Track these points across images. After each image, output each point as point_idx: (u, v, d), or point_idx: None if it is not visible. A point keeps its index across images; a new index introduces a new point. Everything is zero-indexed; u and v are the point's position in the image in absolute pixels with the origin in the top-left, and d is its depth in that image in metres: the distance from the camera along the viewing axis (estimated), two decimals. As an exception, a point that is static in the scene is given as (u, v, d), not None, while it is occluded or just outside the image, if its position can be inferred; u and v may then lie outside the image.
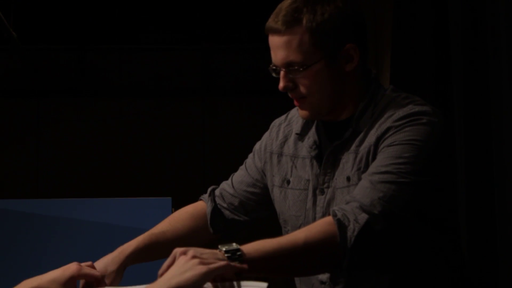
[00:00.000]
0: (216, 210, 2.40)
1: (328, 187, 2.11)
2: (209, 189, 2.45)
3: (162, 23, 6.76)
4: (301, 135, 2.21)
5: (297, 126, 2.24)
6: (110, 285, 2.27)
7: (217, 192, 2.42)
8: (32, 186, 6.75)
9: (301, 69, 2.03)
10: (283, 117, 2.34)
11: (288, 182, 2.20)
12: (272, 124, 2.36)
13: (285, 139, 2.26)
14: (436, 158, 2.01)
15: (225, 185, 2.42)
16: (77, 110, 6.93)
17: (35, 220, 3.61)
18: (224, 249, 1.75)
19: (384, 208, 1.88)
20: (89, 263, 2.19)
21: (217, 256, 1.73)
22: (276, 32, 2.04)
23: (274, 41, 2.06)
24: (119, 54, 6.98)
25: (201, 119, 6.82)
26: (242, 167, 2.42)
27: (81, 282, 2.15)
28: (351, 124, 2.09)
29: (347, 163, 2.07)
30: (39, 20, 6.58)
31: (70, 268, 2.13)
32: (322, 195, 2.11)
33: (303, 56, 2.03)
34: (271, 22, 2.06)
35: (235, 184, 2.39)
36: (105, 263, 2.31)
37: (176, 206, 3.91)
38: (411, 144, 1.97)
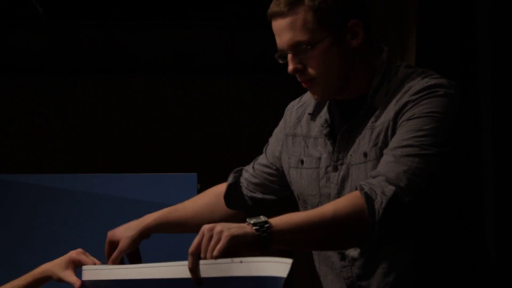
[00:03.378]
0: (234, 185, 2.45)
1: (342, 163, 2.11)
2: (236, 169, 2.50)
3: (188, 0, 6.74)
4: (313, 115, 2.22)
5: (310, 107, 2.25)
6: (126, 252, 2.34)
7: (241, 171, 2.47)
8: (58, 161, 6.79)
9: (309, 47, 2.03)
10: (297, 99, 2.35)
11: (302, 162, 2.21)
12: (287, 107, 2.37)
13: (298, 120, 2.28)
14: (456, 128, 2.01)
15: (249, 166, 2.46)
16: (103, 86, 6.94)
17: (59, 194, 3.64)
18: (252, 221, 1.76)
19: (410, 181, 1.89)
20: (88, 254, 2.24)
21: (244, 229, 1.75)
22: (279, 15, 2.03)
23: (279, 24, 2.05)
24: (144, 31, 6.98)
25: (226, 96, 6.82)
26: (264, 149, 2.45)
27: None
28: (365, 102, 2.08)
29: (363, 139, 2.07)
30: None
31: (69, 254, 2.22)
32: (336, 171, 2.11)
33: (309, 35, 2.02)
34: (273, 7, 2.05)
35: (255, 166, 2.43)
36: (125, 228, 2.40)
37: (201, 182, 3.93)
38: (430, 117, 1.97)
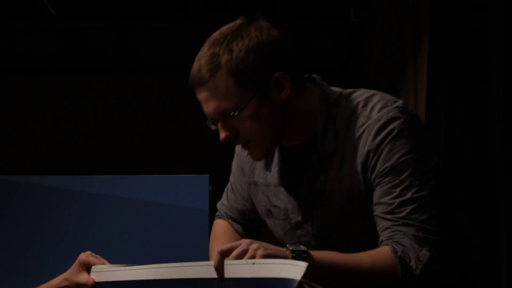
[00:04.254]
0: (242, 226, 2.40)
1: (312, 215, 2.07)
2: (219, 207, 2.43)
3: (199, 1, 6.76)
4: (266, 164, 2.15)
5: None
6: None
7: (224, 211, 2.40)
8: (70, 162, 6.81)
9: (236, 113, 1.94)
10: None
11: (271, 212, 2.16)
12: (236, 149, 2.30)
13: (253, 165, 2.21)
14: (429, 148, 2.00)
15: (225, 208, 2.39)
16: (114, 87, 6.96)
17: (72, 196, 3.64)
18: (291, 248, 1.74)
19: (428, 237, 1.89)
20: (97, 256, 2.23)
21: (280, 253, 1.72)
22: (200, 84, 1.95)
23: (201, 94, 1.97)
24: (155, 32, 6.99)
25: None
26: (229, 190, 2.37)
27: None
28: (316, 148, 2.02)
29: (332, 192, 2.02)
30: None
31: (78, 258, 2.19)
32: (308, 222, 2.08)
33: (234, 100, 1.93)
34: (192, 76, 1.97)
35: (232, 214, 2.37)
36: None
37: (213, 183, 3.93)
38: (402, 163, 1.94)
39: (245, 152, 2.19)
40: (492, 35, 3.12)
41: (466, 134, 3.47)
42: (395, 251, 1.85)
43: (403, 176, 1.93)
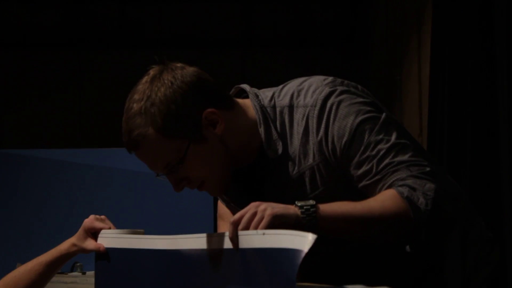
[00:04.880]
0: None
1: None
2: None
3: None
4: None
5: None
6: None
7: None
8: (74, 136, 6.81)
9: (179, 163, 1.93)
10: None
11: None
12: None
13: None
14: (374, 109, 1.98)
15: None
16: (118, 61, 6.95)
17: (78, 169, 3.65)
18: (299, 204, 1.75)
19: (422, 178, 1.89)
20: (103, 216, 2.24)
21: (288, 210, 1.73)
22: (134, 148, 1.95)
23: (141, 156, 1.97)
24: (159, 5, 6.97)
25: (242, 71, 6.81)
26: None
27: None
28: (266, 157, 2.00)
29: (297, 191, 2.00)
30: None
31: (83, 224, 2.21)
32: None
33: (172, 154, 1.93)
34: (125, 141, 1.97)
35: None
36: None
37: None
38: (357, 130, 1.94)
39: None
40: (496, 2, 3.10)
41: (471, 103, 3.46)
42: (401, 193, 1.83)
43: (365, 140, 1.93)
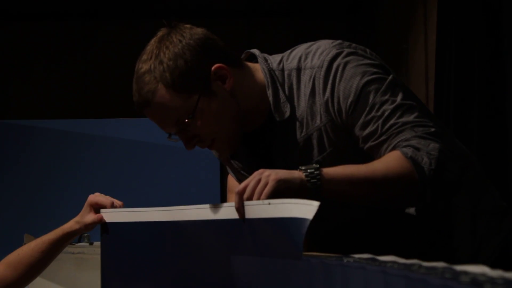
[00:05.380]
0: None
1: None
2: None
3: None
4: (231, 156, 2.17)
5: None
6: None
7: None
8: (81, 106, 6.83)
9: (190, 117, 1.94)
10: None
11: None
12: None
13: (227, 156, 2.20)
14: (380, 70, 1.98)
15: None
16: (123, 32, 6.95)
17: (84, 139, 3.66)
18: (303, 168, 1.74)
19: (425, 137, 1.88)
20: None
21: (292, 174, 1.73)
22: (145, 106, 1.96)
23: (150, 114, 1.98)
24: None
25: (247, 41, 6.80)
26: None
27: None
28: (273, 120, 2.02)
29: (305, 152, 2.01)
30: None
31: (87, 200, 2.21)
32: None
33: (182, 108, 1.94)
34: (135, 101, 1.98)
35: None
36: None
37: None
38: (362, 91, 1.93)
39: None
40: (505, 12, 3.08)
41: (477, 71, 3.46)
42: (405, 153, 1.83)
43: (370, 100, 1.93)
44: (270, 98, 2.01)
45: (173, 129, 1.99)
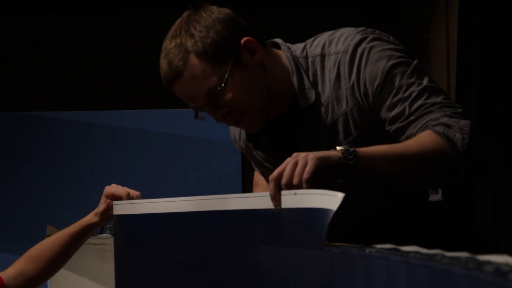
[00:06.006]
0: None
1: None
2: None
3: None
4: (253, 142, 2.18)
5: (242, 131, 2.20)
6: None
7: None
8: (102, 98, 6.86)
9: (222, 85, 1.96)
10: (236, 131, 2.28)
11: None
12: (232, 137, 2.32)
13: (248, 147, 2.22)
14: (405, 54, 1.99)
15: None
16: (142, 24, 6.97)
17: (104, 130, 3.67)
18: (338, 148, 1.74)
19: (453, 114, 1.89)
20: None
21: (329, 153, 1.72)
22: (177, 78, 1.98)
23: (182, 87, 2.00)
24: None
25: (268, 30, 6.79)
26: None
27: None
28: (298, 105, 2.03)
29: (331, 137, 2.02)
30: None
31: (103, 191, 2.23)
32: None
33: (214, 77, 1.96)
34: (166, 74, 2.00)
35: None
36: None
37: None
38: (388, 74, 1.95)
39: (240, 143, 2.24)
40: None
41: (499, 62, 3.44)
42: (437, 131, 1.82)
43: (397, 83, 1.94)
44: (295, 85, 2.03)
45: (203, 101, 1.99)
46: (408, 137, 1.90)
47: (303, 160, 1.68)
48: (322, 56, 2.04)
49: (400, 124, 1.92)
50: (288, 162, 1.69)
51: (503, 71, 3.42)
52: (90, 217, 2.26)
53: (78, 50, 6.95)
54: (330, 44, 2.04)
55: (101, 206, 2.21)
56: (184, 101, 2.04)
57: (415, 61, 1.98)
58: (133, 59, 6.89)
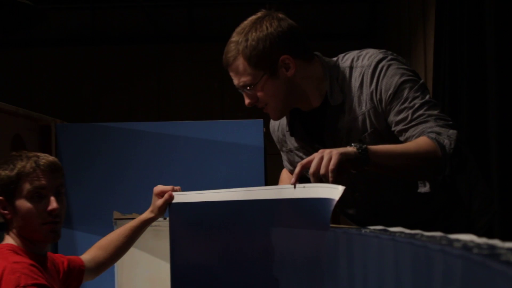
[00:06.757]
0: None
1: None
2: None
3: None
4: (291, 131, 2.19)
5: (283, 123, 2.22)
6: None
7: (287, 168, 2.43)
8: (154, 112, 6.87)
9: (252, 86, 2.02)
10: (275, 122, 2.31)
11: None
12: (270, 130, 2.34)
13: (284, 137, 2.24)
14: (414, 75, 2.01)
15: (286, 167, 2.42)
16: (190, 54, 6.97)
17: (152, 137, 3.66)
18: (353, 145, 1.76)
19: (445, 124, 1.91)
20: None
21: (348, 149, 1.74)
22: (227, 66, 2.04)
23: (230, 72, 2.06)
24: (222, 4, 6.92)
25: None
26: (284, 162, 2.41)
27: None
28: (328, 104, 2.05)
29: (351, 132, 2.04)
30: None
31: (153, 192, 2.23)
32: None
33: (249, 77, 2.01)
34: (223, 58, 2.06)
35: (290, 170, 2.38)
36: None
37: (267, 126, 3.95)
38: (400, 86, 1.96)
39: (277, 133, 2.27)
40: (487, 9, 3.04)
41: (466, 85, 3.42)
42: (431, 137, 1.84)
43: (405, 94, 1.95)
44: (328, 88, 2.05)
45: (240, 88, 2.06)
46: (408, 138, 1.92)
47: (328, 155, 1.69)
48: (351, 68, 2.05)
49: (403, 127, 1.94)
50: (315, 156, 1.71)
51: (469, 94, 3.40)
52: (147, 214, 2.26)
53: (136, 76, 6.97)
54: (357, 59, 2.06)
55: (159, 202, 2.20)
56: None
57: (421, 81, 2.01)
58: (179, 83, 6.88)
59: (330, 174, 1.66)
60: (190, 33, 6.94)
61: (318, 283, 1.58)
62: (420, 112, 1.92)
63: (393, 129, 1.97)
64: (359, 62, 2.05)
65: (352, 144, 1.76)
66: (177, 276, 2.18)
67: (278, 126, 2.26)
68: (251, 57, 1.99)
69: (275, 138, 2.33)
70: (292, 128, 2.17)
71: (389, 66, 2.00)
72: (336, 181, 1.64)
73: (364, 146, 1.75)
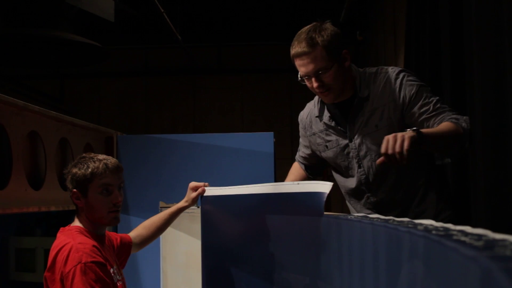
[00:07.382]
0: (305, 167, 2.43)
1: (354, 136, 2.07)
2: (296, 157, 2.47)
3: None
4: (319, 116, 2.19)
5: (315, 112, 2.21)
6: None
7: (296, 157, 2.45)
8: (190, 126, 6.86)
9: (326, 71, 1.99)
10: (304, 111, 2.30)
11: (327, 146, 2.18)
12: (299, 118, 2.32)
13: (311, 123, 2.24)
14: (426, 85, 2.06)
15: (297, 155, 2.43)
16: (218, 83, 6.97)
17: (191, 146, 3.64)
18: (410, 129, 1.78)
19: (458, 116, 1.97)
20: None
21: (410, 133, 1.75)
22: (305, 54, 1.98)
23: (304, 60, 2.00)
24: (244, 47, 6.91)
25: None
26: (300, 144, 2.41)
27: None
28: (357, 96, 2.06)
29: (370, 118, 2.04)
30: (199, 22, 6.57)
31: (188, 186, 2.20)
32: (351, 142, 2.09)
33: (325, 63, 1.98)
34: (298, 49, 1.99)
35: (302, 158, 2.40)
36: None
37: (276, 137, 3.94)
38: (420, 89, 2.01)
39: (305, 120, 2.25)
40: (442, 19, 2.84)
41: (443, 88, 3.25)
42: (453, 122, 1.90)
43: (424, 96, 2.00)
44: (357, 84, 2.07)
45: (312, 74, 2.01)
46: (433, 124, 1.96)
47: (401, 138, 1.71)
48: (376, 73, 2.09)
49: (427, 116, 1.98)
50: (388, 139, 1.72)
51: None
52: (182, 203, 2.24)
53: (176, 101, 6.98)
54: (381, 69, 2.09)
55: (193, 195, 2.18)
56: (298, 70, 2.03)
57: (430, 91, 2.04)
58: (209, 108, 6.86)
59: (405, 152, 1.67)
60: (218, 66, 6.95)
61: (314, 257, 1.57)
62: (438, 105, 1.98)
63: (417, 118, 1.99)
64: (383, 70, 2.08)
65: (407, 129, 1.78)
66: (207, 250, 2.17)
67: (308, 114, 2.27)
68: (328, 47, 1.96)
69: (301, 125, 2.32)
70: (322, 114, 2.18)
71: (409, 75, 2.04)
72: (407, 158, 1.65)
73: (418, 130, 1.78)
